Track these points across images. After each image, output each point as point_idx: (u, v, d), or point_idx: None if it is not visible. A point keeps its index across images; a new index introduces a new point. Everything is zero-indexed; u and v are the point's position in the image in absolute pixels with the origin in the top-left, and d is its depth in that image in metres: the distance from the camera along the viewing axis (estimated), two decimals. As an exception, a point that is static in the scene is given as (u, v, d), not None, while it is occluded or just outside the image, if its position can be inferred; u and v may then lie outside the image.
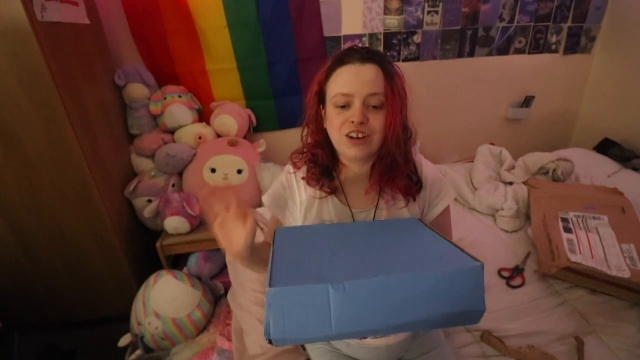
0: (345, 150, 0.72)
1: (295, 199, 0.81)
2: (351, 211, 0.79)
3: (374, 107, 0.69)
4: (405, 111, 0.73)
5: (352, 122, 0.68)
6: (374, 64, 0.69)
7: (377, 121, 0.69)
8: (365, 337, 0.64)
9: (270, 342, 0.49)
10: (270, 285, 0.47)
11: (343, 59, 0.70)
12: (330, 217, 0.79)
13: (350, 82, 0.69)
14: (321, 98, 0.75)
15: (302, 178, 0.80)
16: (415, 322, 0.51)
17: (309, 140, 0.80)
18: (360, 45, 1.84)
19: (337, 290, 0.47)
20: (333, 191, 0.79)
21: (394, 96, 0.68)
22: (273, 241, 0.67)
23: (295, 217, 0.83)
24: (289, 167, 0.83)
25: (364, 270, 0.52)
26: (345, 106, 0.70)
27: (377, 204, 0.78)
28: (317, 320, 0.48)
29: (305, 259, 0.58)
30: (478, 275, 0.51)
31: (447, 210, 0.82)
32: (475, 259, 0.52)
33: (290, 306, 0.47)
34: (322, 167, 0.78)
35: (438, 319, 0.52)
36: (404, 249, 0.60)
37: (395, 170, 0.74)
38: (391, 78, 0.69)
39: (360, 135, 0.69)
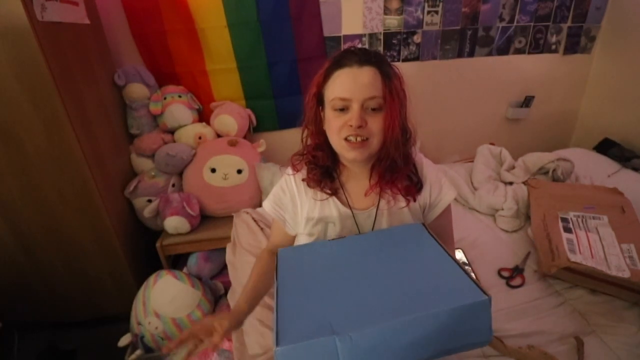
0: (345, 153, 0.72)
1: (297, 201, 0.81)
2: (352, 212, 0.79)
3: (373, 109, 0.69)
4: (404, 112, 0.73)
5: (351, 125, 0.68)
6: (372, 67, 0.68)
7: (375, 124, 0.69)
8: None
9: None
10: (277, 343, 0.48)
11: (340, 61, 0.70)
12: (333, 218, 0.79)
13: (347, 86, 0.68)
14: (320, 100, 0.75)
15: (303, 180, 0.80)
16: (425, 358, 0.52)
17: (309, 141, 0.80)
18: (360, 45, 1.84)
19: (344, 342, 0.47)
20: (334, 192, 0.79)
21: (392, 98, 0.68)
22: (276, 276, 0.66)
23: (297, 220, 0.82)
24: (289, 170, 0.83)
25: (371, 314, 0.52)
26: (343, 109, 0.69)
27: (377, 205, 0.78)
28: None
29: (310, 298, 0.57)
30: (485, 309, 0.51)
31: (448, 209, 0.82)
32: (483, 291, 0.52)
33: None
34: (323, 168, 0.78)
35: (447, 351, 0.52)
36: (410, 276, 0.59)
37: (394, 171, 0.74)
38: (389, 80, 0.68)
39: (358, 138, 0.69)
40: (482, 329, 0.52)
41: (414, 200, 0.78)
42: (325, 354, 0.48)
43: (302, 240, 0.85)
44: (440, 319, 0.50)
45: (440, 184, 0.80)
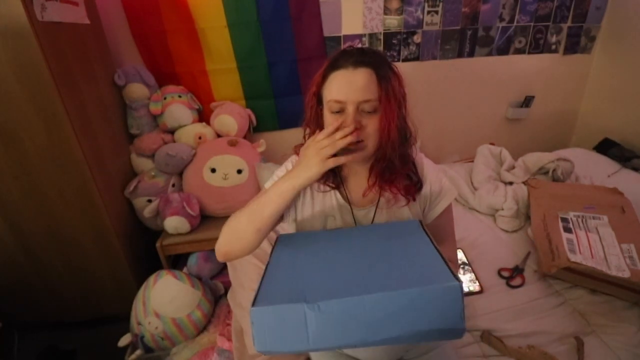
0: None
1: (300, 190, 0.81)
2: (351, 208, 0.79)
3: (369, 112, 0.69)
4: (402, 113, 0.72)
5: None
6: (367, 68, 0.68)
7: (371, 126, 0.69)
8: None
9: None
10: (253, 304, 0.53)
11: (336, 62, 0.70)
12: (333, 212, 0.79)
13: (342, 89, 0.68)
14: (319, 99, 0.75)
15: None
16: (393, 338, 0.53)
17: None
18: (360, 45, 1.84)
19: (312, 310, 0.52)
20: (336, 186, 0.79)
21: (388, 101, 0.68)
22: (272, 251, 0.70)
23: (297, 208, 0.82)
24: (294, 158, 0.83)
25: (343, 288, 0.55)
26: (339, 111, 0.69)
27: (377, 203, 0.78)
28: (295, 335, 0.53)
29: (294, 274, 0.62)
30: (455, 294, 0.52)
31: (448, 209, 0.82)
32: (456, 277, 0.53)
33: (269, 323, 0.53)
34: None
35: (416, 335, 0.53)
36: (391, 263, 0.62)
37: (392, 172, 0.74)
38: (386, 82, 0.68)
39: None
40: (453, 316, 0.52)
41: (414, 200, 0.78)
42: (294, 318, 0.52)
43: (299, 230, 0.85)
44: (408, 299, 0.52)
45: (441, 184, 0.80)
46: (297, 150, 0.82)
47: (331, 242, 0.72)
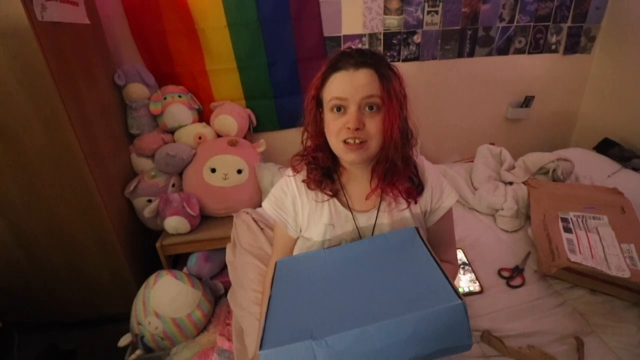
0: (343, 155, 0.72)
1: (297, 203, 0.80)
2: (353, 214, 0.78)
3: (371, 110, 0.68)
4: (404, 113, 0.72)
5: (348, 128, 0.67)
6: (369, 68, 0.67)
7: (373, 126, 0.68)
8: None
9: None
10: (261, 347, 0.53)
11: (336, 64, 0.69)
12: (332, 220, 0.78)
13: (344, 87, 0.68)
14: (319, 102, 0.75)
15: (303, 181, 0.80)
16: None
17: (309, 143, 0.80)
18: (360, 45, 1.84)
19: (320, 346, 0.51)
20: (334, 194, 0.78)
21: (390, 100, 0.67)
22: (272, 282, 0.71)
23: (298, 222, 0.82)
24: (289, 171, 0.82)
25: (348, 319, 0.55)
26: (341, 109, 0.69)
27: (378, 207, 0.78)
28: None
29: (298, 306, 0.62)
30: (459, 313, 0.52)
31: (449, 213, 0.82)
32: (458, 295, 0.53)
33: None
34: (323, 169, 0.78)
35: (425, 356, 0.54)
36: (392, 284, 0.62)
37: (395, 174, 0.74)
38: (387, 81, 0.67)
39: (357, 140, 0.68)
40: (459, 333, 0.53)
41: (415, 202, 0.77)
42: (303, 356, 0.52)
43: (301, 243, 0.85)
44: (413, 324, 0.52)
45: (442, 188, 0.80)
46: (293, 161, 0.81)
47: (330, 266, 0.71)
